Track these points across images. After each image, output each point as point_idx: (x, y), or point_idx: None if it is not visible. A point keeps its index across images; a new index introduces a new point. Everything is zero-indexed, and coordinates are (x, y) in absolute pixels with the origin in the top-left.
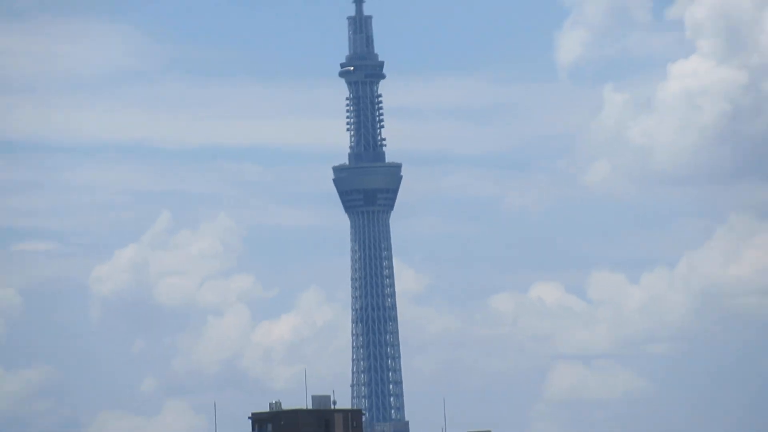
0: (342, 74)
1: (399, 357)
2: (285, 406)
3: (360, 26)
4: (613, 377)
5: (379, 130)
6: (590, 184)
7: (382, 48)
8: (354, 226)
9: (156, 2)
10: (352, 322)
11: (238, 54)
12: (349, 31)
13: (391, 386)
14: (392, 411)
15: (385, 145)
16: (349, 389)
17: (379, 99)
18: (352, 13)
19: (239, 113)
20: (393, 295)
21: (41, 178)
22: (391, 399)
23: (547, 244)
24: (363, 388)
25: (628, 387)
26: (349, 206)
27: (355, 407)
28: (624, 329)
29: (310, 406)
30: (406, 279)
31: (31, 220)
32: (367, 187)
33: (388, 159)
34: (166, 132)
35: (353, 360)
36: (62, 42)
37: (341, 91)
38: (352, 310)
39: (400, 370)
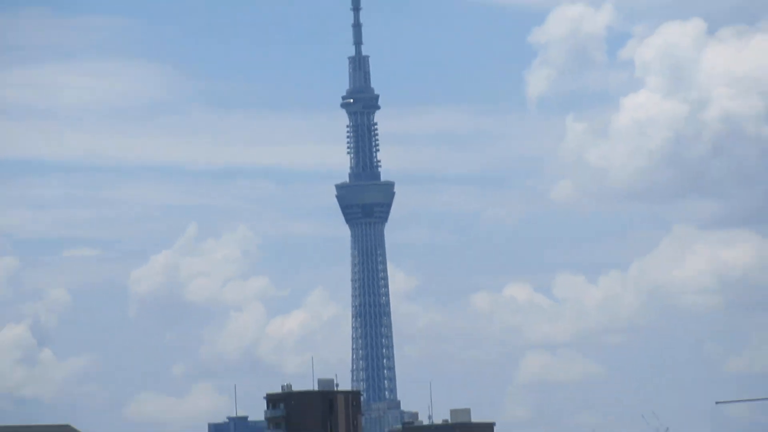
0: (343, 105)
1: (392, 346)
2: (295, 388)
3: (359, 65)
4: (574, 363)
5: (375, 153)
6: (556, 200)
7: (377, 83)
8: (354, 236)
9: (184, 45)
10: (352, 317)
11: (254, 88)
12: (349, 68)
13: (385, 371)
14: (386, 392)
15: (380, 166)
16: (350, 374)
17: (375, 127)
18: (352, 53)
19: (255, 139)
20: (387, 294)
21: (88, 194)
22: (385, 382)
23: (519, 251)
24: (361, 373)
25: (586, 372)
26: (349, 218)
27: (354, 389)
28: (583, 323)
29: (316, 388)
30: (398, 280)
31: (79, 230)
32: (365, 202)
33: (383, 178)
34: (193, 155)
35: (353, 349)
36: (106, 78)
37: (342, 120)
38: (352, 306)
39: (393, 357)
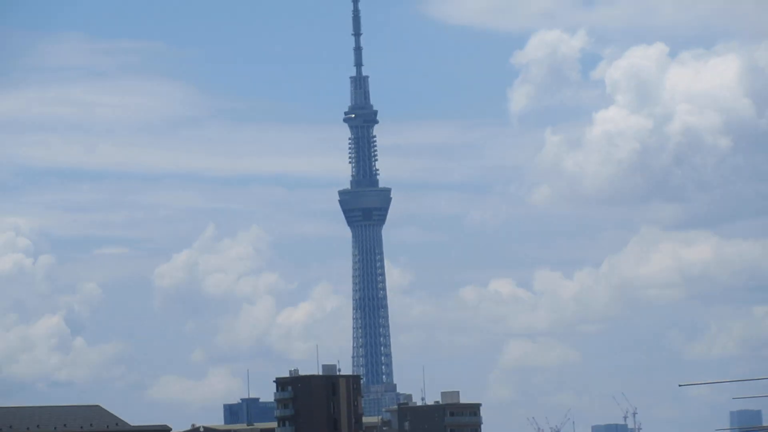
0: (345, 120)
1: (388, 335)
2: (301, 373)
3: (359, 84)
4: (552, 350)
5: (373, 163)
6: (535, 204)
7: (376, 100)
8: (354, 236)
9: (204, 66)
10: (353, 308)
11: (265, 105)
12: (351, 87)
13: (382, 357)
14: (383, 376)
15: (379, 174)
16: (350, 360)
17: (374, 139)
18: (354, 74)
19: (266, 150)
20: (384, 288)
21: (117, 198)
22: (383, 367)
23: (502, 249)
24: (361, 359)
25: (563, 357)
26: (350, 221)
27: (354, 374)
28: (560, 314)
29: (320, 373)
30: (394, 276)
31: (109, 230)
32: (365, 206)
33: (381, 185)
34: (211, 164)
35: (353, 337)
36: (134, 95)
37: (344, 133)
38: (353, 299)
39: (389, 345)
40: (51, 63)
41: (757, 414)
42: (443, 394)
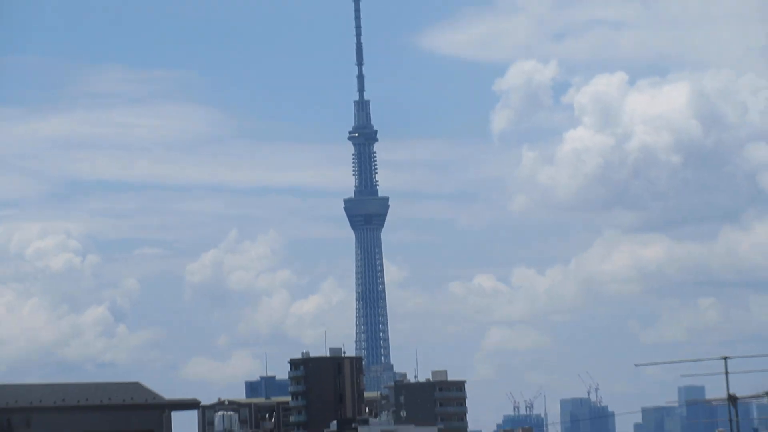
0: (350, 138)
1: (387, 323)
2: (312, 355)
3: (362, 107)
4: (527, 336)
5: (374, 175)
6: (514, 211)
7: (376, 121)
8: (357, 238)
9: (227, 92)
10: (356, 300)
11: (280, 125)
12: (354, 110)
13: (381, 342)
14: (382, 357)
15: (378, 185)
16: (354, 344)
17: (374, 155)
18: (357, 98)
19: (281, 164)
20: (383, 282)
21: (152, 206)
22: (381, 350)
23: (485, 249)
24: (363, 343)
25: (536, 342)
26: (354, 225)
27: (357, 355)
28: (534, 305)
29: (328, 355)
30: (392, 272)
31: (146, 234)
32: (366, 213)
33: (380, 194)
34: (235, 176)
35: (356, 325)
36: (167, 118)
37: (349, 149)
38: (356, 292)
39: (387, 331)
40: (96, 90)
41: (701, 389)
42: (433, 372)
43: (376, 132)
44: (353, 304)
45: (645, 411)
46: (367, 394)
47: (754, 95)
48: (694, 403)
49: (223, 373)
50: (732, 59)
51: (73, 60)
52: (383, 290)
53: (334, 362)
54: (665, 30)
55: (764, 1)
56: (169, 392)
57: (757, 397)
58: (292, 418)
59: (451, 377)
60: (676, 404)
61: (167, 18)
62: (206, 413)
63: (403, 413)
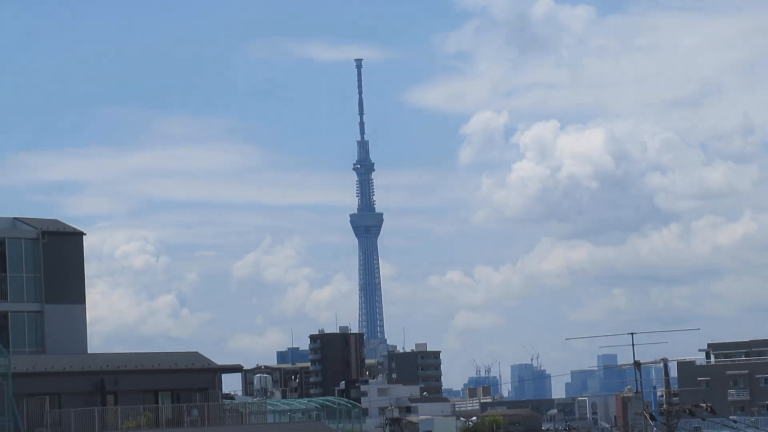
0: (354, 169)
1: (382, 307)
2: (326, 332)
3: (363, 146)
4: (486, 318)
5: (372, 196)
6: (476, 222)
7: (374, 156)
8: (360, 244)
9: (263, 133)
10: (359, 290)
11: (303, 159)
12: (357, 148)
13: (377, 322)
14: (378, 333)
15: (375, 204)
16: (357, 323)
17: (372, 181)
18: (359, 139)
19: (304, 188)
20: (379, 277)
21: (208, 219)
22: (378, 327)
23: (454, 251)
24: (364, 322)
25: (494, 323)
26: (357, 234)
27: (359, 332)
28: (492, 294)
29: (338, 331)
30: (386, 269)
31: (203, 240)
32: (366, 224)
33: (377, 210)
34: (269, 197)
35: (359, 309)
36: (219, 153)
37: (353, 177)
38: (359, 285)
39: (383, 314)
40: (167, 133)
41: (614, 357)
42: (417, 344)
43: (373, 164)
44: (357, 293)
45: (573, 373)
46: (367, 361)
47: (651, 137)
48: (609, 367)
49: (260, 345)
50: (635, 111)
51: (151, 109)
52: (379, 282)
53: (343, 337)
54: (586, 90)
55: (658, 69)
56: (219, 359)
57: (655, 362)
58: (311, 379)
59: (429, 348)
60: (596, 368)
61: (219, 79)
62: (247, 375)
63: (394, 376)
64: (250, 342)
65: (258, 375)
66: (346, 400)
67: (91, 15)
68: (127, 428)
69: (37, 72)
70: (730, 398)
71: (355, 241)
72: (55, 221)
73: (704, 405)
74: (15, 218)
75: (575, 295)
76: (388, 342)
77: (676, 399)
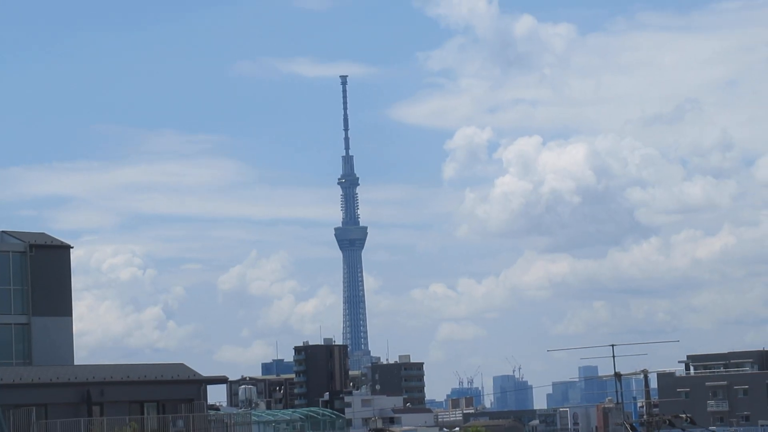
0: (338, 183)
1: (366, 319)
2: (311, 343)
3: (347, 161)
4: (468, 329)
5: (356, 210)
6: (460, 236)
7: (358, 171)
8: (344, 257)
9: (249, 150)
10: (343, 303)
11: (289, 174)
12: (342, 163)
13: (361, 333)
14: (362, 345)
15: (360, 218)
16: (341, 335)
17: (356, 195)
18: (344, 154)
19: (290, 202)
20: (363, 289)
21: (195, 234)
22: (362, 339)
23: (438, 265)
24: (348, 334)
25: (475, 333)
26: (342, 247)
27: (343, 344)
28: (474, 306)
29: (322, 343)
30: (370, 282)
31: (190, 254)
32: (350, 238)
33: (361, 224)
34: (255, 212)
35: (343, 321)
36: (207, 168)
37: (338, 191)
38: (343, 297)
39: (366, 326)
40: (155, 149)
41: (595, 368)
42: (400, 356)
43: (358, 179)
44: (341, 305)
45: (554, 384)
46: (351, 373)
47: (631, 153)
48: (590, 378)
49: (245, 357)
50: (616, 128)
51: (139, 126)
52: (363, 295)
53: (327, 349)
54: (568, 107)
55: (638, 87)
56: (205, 371)
57: (635, 374)
58: (296, 390)
59: (413, 360)
60: (577, 380)
61: (206, 95)
62: (232, 386)
63: (377, 387)
64: (236, 354)
65: (243, 386)
66: (331, 411)
67: (81, 32)
68: None
69: (26, 87)
70: (709, 409)
71: (340, 254)
72: (43, 234)
73: (684, 416)
74: (3, 231)
75: (557, 308)
76: (372, 354)
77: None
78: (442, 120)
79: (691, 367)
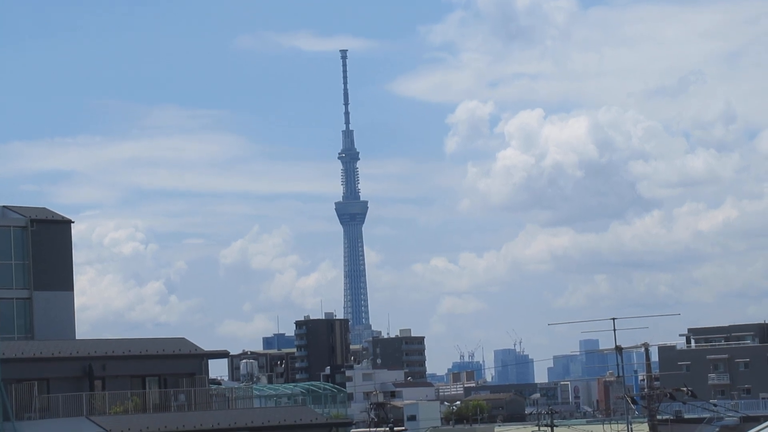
0: (339, 158)
1: (367, 294)
2: (312, 317)
3: (348, 135)
4: (470, 303)
5: (357, 185)
6: (461, 210)
7: (359, 145)
8: (345, 232)
9: (251, 124)
10: (344, 277)
11: (290, 149)
12: (342, 137)
13: (362, 308)
14: (363, 319)
15: (360, 192)
16: (342, 309)
17: (357, 170)
18: (344, 128)
19: (291, 177)
20: (364, 263)
21: (197, 208)
22: (363, 313)
23: (440, 239)
24: (349, 309)
25: (477, 307)
26: (343, 221)
27: (345, 318)
28: (476, 279)
29: (323, 317)
30: (371, 256)
31: (192, 228)
32: (351, 212)
33: (362, 198)
34: (256, 186)
35: (344, 295)
36: (208, 143)
37: (338, 166)
38: (344, 271)
39: (367, 300)
40: (157, 123)
41: (596, 342)
42: (401, 330)
43: (358, 153)
44: (342, 280)
45: (555, 358)
46: (352, 347)
47: (634, 126)
48: (591, 352)
49: (247, 331)
50: (618, 100)
51: (141, 101)
52: (364, 270)
53: (328, 323)
54: (570, 80)
55: (641, 59)
56: (207, 345)
57: (636, 347)
58: (297, 365)
59: (414, 334)
60: (578, 353)
61: (207, 70)
62: (234, 361)
63: (378, 361)
64: (237, 328)
65: (244, 360)
66: (332, 385)
67: (82, 7)
68: (115, 413)
69: (27, 62)
70: (710, 382)
71: (341, 229)
72: (44, 209)
73: (685, 389)
74: (4, 206)
75: (558, 282)
76: (373, 328)
77: (657, 383)
78: (443, 94)
79: (692, 341)
